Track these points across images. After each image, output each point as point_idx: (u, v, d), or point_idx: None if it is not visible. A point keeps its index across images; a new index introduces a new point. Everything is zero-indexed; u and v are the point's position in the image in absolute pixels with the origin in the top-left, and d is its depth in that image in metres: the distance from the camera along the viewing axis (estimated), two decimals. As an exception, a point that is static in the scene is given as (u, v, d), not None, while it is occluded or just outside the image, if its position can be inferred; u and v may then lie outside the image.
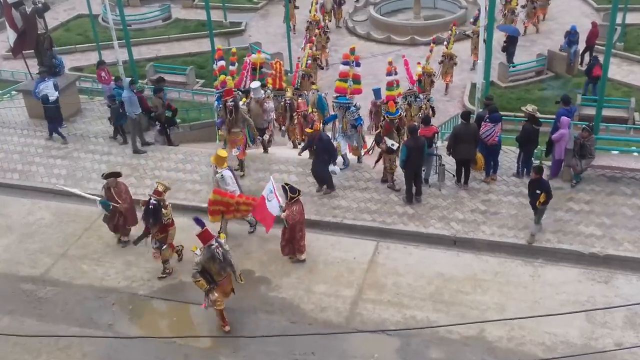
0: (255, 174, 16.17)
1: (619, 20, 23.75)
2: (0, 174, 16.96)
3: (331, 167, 14.78)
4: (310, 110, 17.43)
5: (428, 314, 11.80)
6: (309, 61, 21.46)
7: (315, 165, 14.99)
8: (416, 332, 11.17)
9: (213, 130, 17.73)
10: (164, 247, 12.79)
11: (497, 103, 18.39)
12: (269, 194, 12.91)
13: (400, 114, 15.20)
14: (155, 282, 13.00)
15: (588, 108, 19.90)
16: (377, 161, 15.36)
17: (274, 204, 12.92)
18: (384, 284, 12.59)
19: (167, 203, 12.61)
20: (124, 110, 17.32)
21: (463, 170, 14.93)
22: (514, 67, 23.85)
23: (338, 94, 15.94)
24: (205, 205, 14.95)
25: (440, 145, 16.24)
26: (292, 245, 13.09)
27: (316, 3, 26.89)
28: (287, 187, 12.65)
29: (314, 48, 24.17)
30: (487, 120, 14.57)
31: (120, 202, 13.45)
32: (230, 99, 15.32)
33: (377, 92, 16.97)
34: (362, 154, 16.14)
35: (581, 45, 23.94)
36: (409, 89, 16.93)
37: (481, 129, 14.58)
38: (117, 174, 13.69)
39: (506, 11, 27.05)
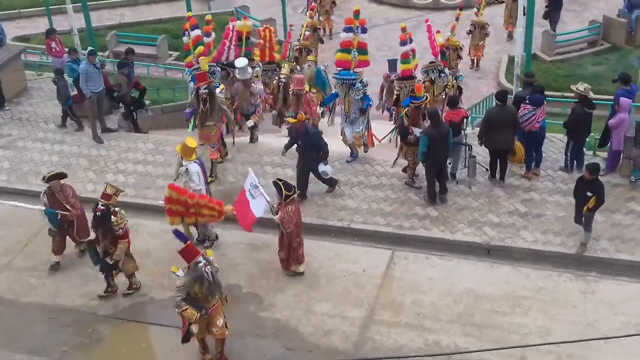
0: (243, 167, 16.25)
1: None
2: None
3: (321, 167, 14.69)
4: (307, 87, 17.49)
5: (455, 339, 11.85)
6: (307, 32, 21.51)
7: (300, 165, 14.85)
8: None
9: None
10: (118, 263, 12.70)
11: (541, 81, 18.51)
12: (253, 189, 12.98)
13: (427, 97, 15.23)
14: (119, 299, 13.07)
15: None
16: (397, 156, 15.37)
17: (260, 203, 12.99)
18: (402, 302, 12.65)
19: (116, 210, 12.41)
20: (79, 88, 17.41)
21: (498, 163, 15.01)
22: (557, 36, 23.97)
23: (340, 68, 15.96)
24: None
25: (471, 133, 16.32)
26: (290, 255, 13.18)
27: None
28: (280, 184, 12.69)
29: (317, 15, 24.24)
30: (527, 102, 14.64)
31: (69, 208, 13.28)
32: (204, 86, 15.21)
33: (392, 63, 17.04)
34: (368, 141, 16.14)
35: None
36: (431, 62, 16.97)
37: (519, 112, 14.66)
38: (61, 175, 13.46)
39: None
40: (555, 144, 16.13)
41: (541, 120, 14.63)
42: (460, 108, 15.41)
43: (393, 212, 14.66)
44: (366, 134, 16.19)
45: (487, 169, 15.22)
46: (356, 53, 15.80)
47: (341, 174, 15.82)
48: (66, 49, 19.64)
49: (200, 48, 16.74)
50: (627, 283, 12.77)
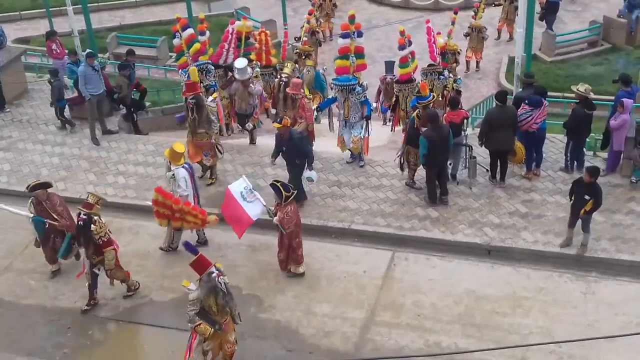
0: (243, 169, 16.25)
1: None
2: None
3: (306, 174, 14.44)
4: (305, 91, 17.47)
5: (456, 339, 11.83)
6: (305, 37, 21.50)
7: (291, 174, 14.55)
8: (441, 361, 11.24)
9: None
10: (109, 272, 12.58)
11: (541, 82, 18.51)
12: (248, 193, 12.96)
13: (434, 96, 15.20)
14: (120, 301, 13.06)
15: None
16: (400, 156, 15.33)
17: (256, 207, 12.97)
18: (402, 303, 12.64)
19: (96, 219, 12.27)
20: (80, 91, 17.42)
21: (499, 164, 15.00)
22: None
23: (338, 75, 15.77)
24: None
25: (471, 134, 16.31)
26: (289, 256, 13.17)
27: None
28: (279, 185, 12.67)
29: (316, 18, 24.22)
30: (526, 102, 14.64)
31: (57, 218, 13.04)
32: (191, 96, 14.97)
33: (389, 64, 17.02)
34: (363, 148, 16.02)
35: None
36: (430, 65, 16.95)
37: (518, 111, 14.66)
38: (46, 185, 13.20)
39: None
40: (555, 145, 16.12)
41: (539, 121, 14.61)
42: (460, 109, 15.40)
43: (393, 213, 14.64)
44: (363, 138, 16.01)
45: (487, 170, 15.21)
46: (354, 58, 15.73)
47: (342, 175, 15.82)
48: (66, 51, 19.64)
49: (197, 45, 16.71)
50: (628, 283, 12.75)
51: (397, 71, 16.46)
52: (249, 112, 17.00)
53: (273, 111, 17.84)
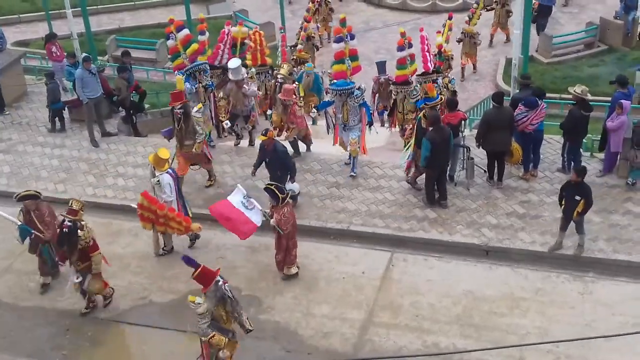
0: (242, 170, 16.24)
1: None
2: None
3: (289, 186, 14.23)
4: (302, 93, 17.46)
5: (454, 340, 11.85)
6: (301, 45, 21.46)
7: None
8: (440, 361, 11.23)
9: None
10: (87, 279, 12.44)
11: (538, 83, 18.52)
12: (246, 201, 12.96)
13: (442, 98, 15.13)
14: (120, 302, 13.06)
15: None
16: (409, 163, 15.27)
17: (257, 213, 12.96)
18: (400, 304, 12.65)
19: (83, 223, 12.21)
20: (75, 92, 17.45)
21: (496, 165, 15.01)
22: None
23: (337, 79, 15.69)
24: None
25: (469, 135, 16.32)
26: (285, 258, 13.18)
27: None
28: (273, 188, 12.65)
29: (316, 25, 24.20)
30: (522, 103, 14.67)
31: (42, 229, 12.88)
32: (179, 105, 14.80)
33: (381, 65, 16.98)
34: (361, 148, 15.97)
35: (641, 12, 24.06)
36: (424, 73, 16.81)
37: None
38: (34, 197, 12.98)
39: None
40: (552, 146, 16.13)
41: (536, 122, 14.60)
42: (458, 110, 15.40)
43: (392, 214, 14.65)
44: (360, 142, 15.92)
45: (485, 171, 15.22)
46: (349, 61, 15.71)
47: (340, 177, 15.82)
48: (65, 54, 19.64)
49: (195, 45, 16.66)
50: (625, 283, 12.77)
51: (394, 72, 16.39)
52: (246, 113, 16.93)
53: (269, 112, 17.84)
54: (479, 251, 13.69)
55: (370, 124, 15.93)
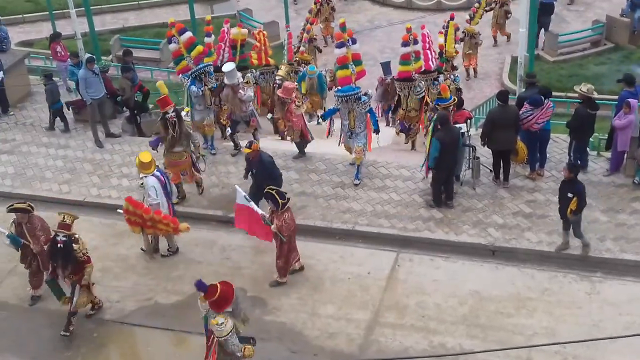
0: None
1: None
2: None
3: None
4: (304, 91, 17.40)
5: (461, 340, 11.83)
6: (303, 48, 21.42)
7: (254, 196, 13.94)
8: (446, 362, 11.22)
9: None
10: (77, 291, 12.28)
11: (544, 81, 18.47)
12: (248, 203, 12.95)
13: (455, 98, 14.99)
14: (126, 303, 13.07)
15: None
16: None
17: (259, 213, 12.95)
18: (406, 304, 12.64)
19: (77, 236, 12.10)
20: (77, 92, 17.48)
21: (502, 164, 14.98)
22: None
23: (341, 85, 15.53)
24: (191, 210, 15.07)
25: (474, 134, 16.29)
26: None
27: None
28: (274, 193, 12.50)
29: (318, 26, 24.16)
30: (528, 101, 14.65)
31: (31, 241, 12.67)
32: (171, 109, 14.54)
33: (385, 66, 16.90)
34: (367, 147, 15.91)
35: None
36: (425, 71, 16.75)
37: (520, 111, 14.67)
38: (25, 210, 12.66)
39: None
40: (559, 145, 16.10)
41: (541, 121, 14.56)
42: (464, 109, 15.37)
43: (397, 214, 14.64)
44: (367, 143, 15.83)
45: (490, 170, 15.19)
46: (353, 66, 15.62)
47: (345, 177, 15.80)
48: (68, 53, 19.67)
49: (199, 47, 16.56)
50: (632, 283, 12.74)
51: (397, 68, 16.33)
52: (246, 119, 16.66)
53: (269, 116, 17.79)
54: (485, 251, 13.67)
55: (377, 131, 15.69)
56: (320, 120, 17.18)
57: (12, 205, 12.79)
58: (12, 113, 19.29)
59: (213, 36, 17.50)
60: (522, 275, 13.06)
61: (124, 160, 17.10)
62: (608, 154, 15.38)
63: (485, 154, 15.30)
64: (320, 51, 23.79)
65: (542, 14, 24.04)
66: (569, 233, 13.22)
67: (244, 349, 10.02)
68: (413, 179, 15.58)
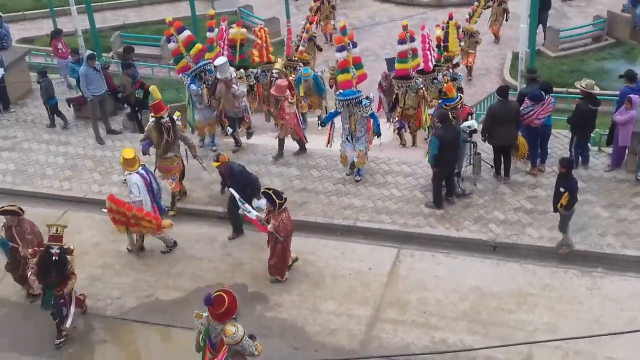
0: (249, 167, 16.15)
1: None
2: None
3: (256, 203, 13.56)
4: (302, 94, 17.36)
5: (462, 336, 11.82)
6: (303, 47, 21.35)
7: (231, 204, 13.82)
8: (447, 357, 11.17)
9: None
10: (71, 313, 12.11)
11: (545, 77, 18.45)
12: (242, 205, 12.94)
13: (461, 97, 14.89)
14: (126, 299, 13.08)
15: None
16: None
17: (254, 215, 12.93)
18: (407, 300, 12.63)
19: (68, 247, 11.90)
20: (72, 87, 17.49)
21: (503, 160, 14.95)
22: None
23: (343, 89, 15.32)
24: (192, 207, 15.05)
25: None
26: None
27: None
28: (271, 193, 12.44)
29: (319, 25, 24.11)
30: (528, 97, 14.62)
31: (20, 245, 12.37)
32: (165, 114, 14.28)
33: (390, 62, 16.85)
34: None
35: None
36: (423, 71, 16.70)
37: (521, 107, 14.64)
38: (15, 212, 12.42)
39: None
40: (560, 140, 16.07)
41: (542, 116, 14.52)
42: (464, 105, 15.34)
43: (398, 210, 14.62)
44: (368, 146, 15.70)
45: (491, 166, 15.17)
46: (354, 70, 15.57)
47: (346, 173, 15.77)
48: (69, 50, 19.67)
49: (198, 46, 16.45)
50: (634, 279, 12.71)
51: (395, 66, 16.30)
52: (239, 115, 16.64)
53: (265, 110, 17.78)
54: (486, 247, 13.66)
55: (379, 135, 15.54)
56: (320, 127, 17.05)
57: (2, 207, 12.56)
58: (13, 110, 19.29)
59: (216, 29, 17.44)
60: (523, 271, 13.04)
61: (125, 157, 17.08)
62: (609, 150, 15.36)
63: (486, 150, 15.28)
64: (321, 49, 23.73)
65: (539, 9, 24.07)
66: (570, 228, 13.21)
67: (256, 346, 9.94)
68: (414, 175, 15.57)
